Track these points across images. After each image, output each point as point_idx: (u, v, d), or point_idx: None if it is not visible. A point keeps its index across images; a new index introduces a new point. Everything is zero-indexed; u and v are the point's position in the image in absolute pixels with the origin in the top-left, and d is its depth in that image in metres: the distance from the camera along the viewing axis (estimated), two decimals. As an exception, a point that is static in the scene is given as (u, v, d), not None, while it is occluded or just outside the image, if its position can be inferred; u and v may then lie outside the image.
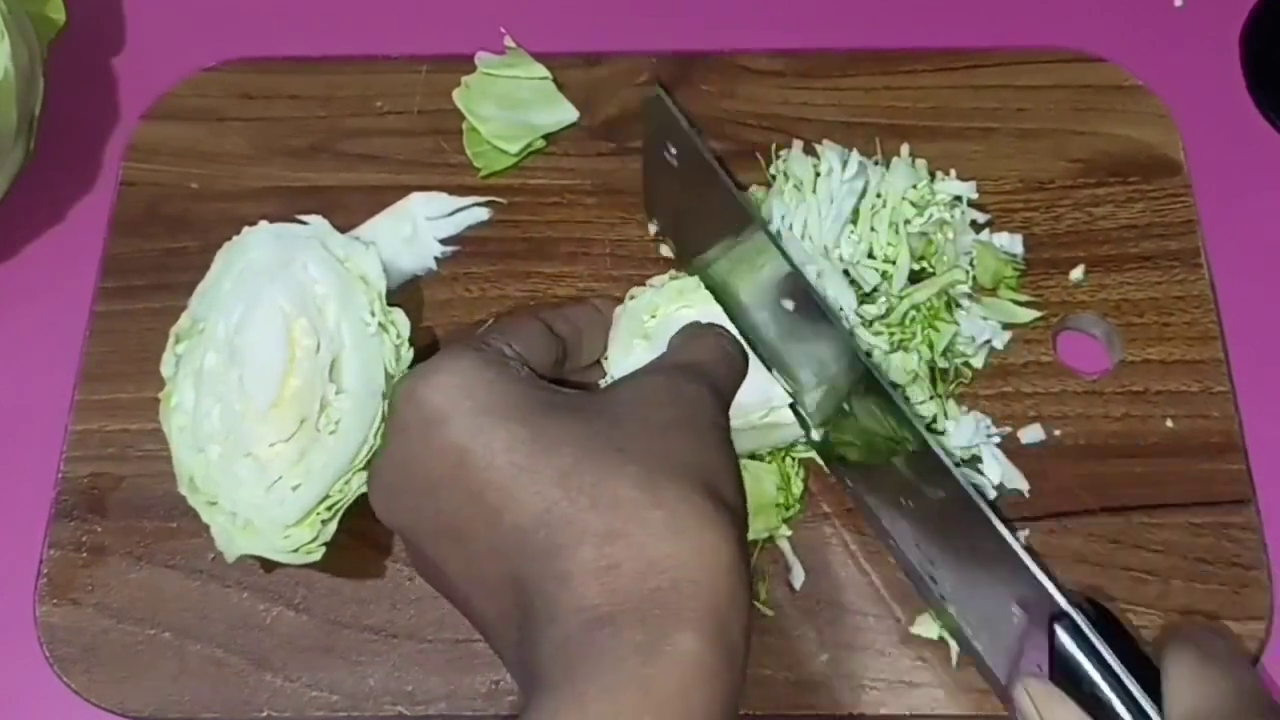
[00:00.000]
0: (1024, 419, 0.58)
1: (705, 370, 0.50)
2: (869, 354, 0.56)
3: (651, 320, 0.56)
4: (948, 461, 0.47)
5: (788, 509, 0.55)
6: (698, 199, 0.56)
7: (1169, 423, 0.58)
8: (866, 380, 0.49)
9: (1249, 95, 0.68)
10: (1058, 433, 0.58)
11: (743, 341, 0.55)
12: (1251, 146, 0.67)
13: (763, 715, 0.53)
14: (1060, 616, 0.44)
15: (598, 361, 0.56)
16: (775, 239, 0.52)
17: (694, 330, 0.53)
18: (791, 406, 0.55)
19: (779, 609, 0.54)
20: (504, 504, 0.43)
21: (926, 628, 0.54)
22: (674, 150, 0.55)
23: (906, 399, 0.57)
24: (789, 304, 0.52)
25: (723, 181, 0.53)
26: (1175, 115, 0.65)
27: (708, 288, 0.57)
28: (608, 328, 0.56)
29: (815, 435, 0.55)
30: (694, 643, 0.40)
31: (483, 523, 0.44)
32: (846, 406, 0.52)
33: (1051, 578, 0.44)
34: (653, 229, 0.62)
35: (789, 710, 0.53)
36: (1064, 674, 0.45)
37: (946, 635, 0.54)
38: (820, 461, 0.57)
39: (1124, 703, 0.44)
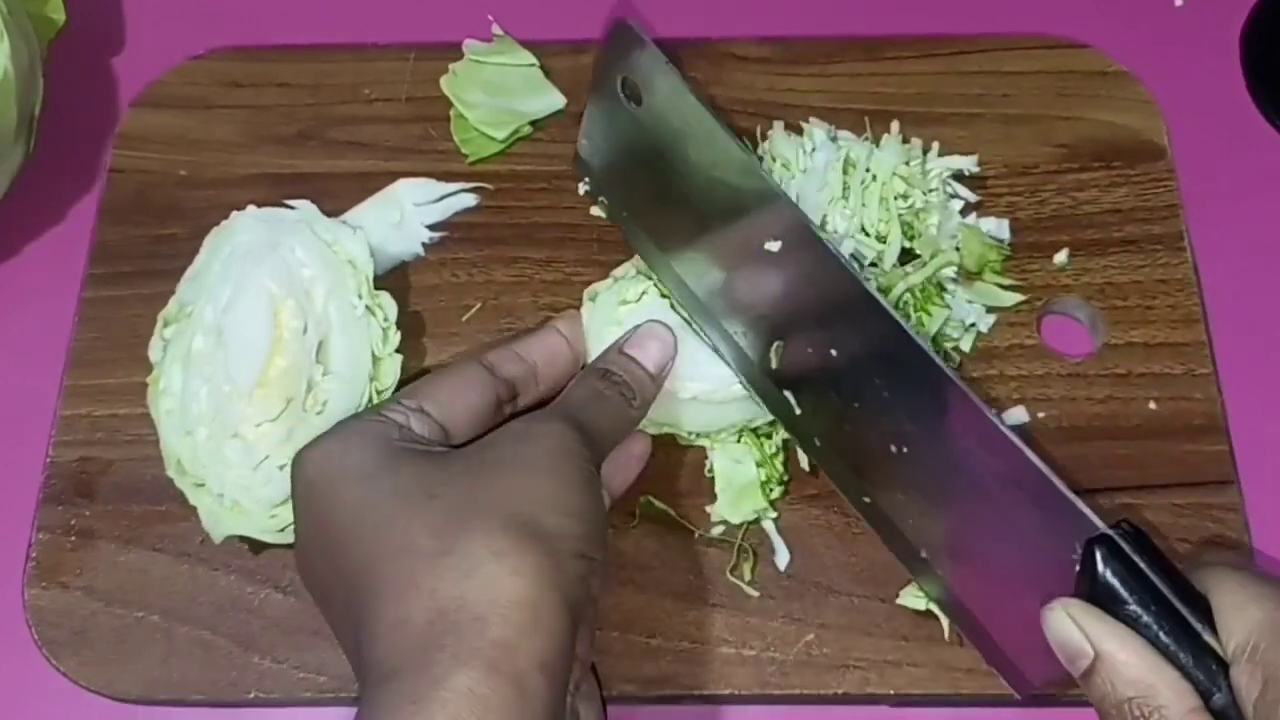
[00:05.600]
0: (1008, 401, 0.58)
1: (571, 409, 0.50)
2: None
3: (624, 307, 0.57)
4: (971, 392, 0.46)
5: (771, 491, 0.56)
6: (659, 146, 0.54)
7: (1152, 405, 0.58)
8: (874, 312, 0.49)
9: (1248, 95, 0.68)
10: (1041, 415, 0.58)
11: (676, 331, 0.55)
12: (1250, 146, 0.67)
13: (748, 695, 0.53)
14: (1097, 541, 0.43)
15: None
16: (769, 175, 0.52)
17: (581, 374, 0.53)
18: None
19: (764, 590, 0.55)
20: (342, 564, 0.44)
21: (913, 599, 0.54)
22: (634, 90, 0.53)
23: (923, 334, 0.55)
24: (775, 246, 0.52)
25: (705, 114, 0.51)
26: (1174, 114, 0.65)
27: (645, 256, 0.57)
28: (576, 346, 0.55)
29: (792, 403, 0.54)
30: (467, 680, 0.39)
31: (336, 586, 0.45)
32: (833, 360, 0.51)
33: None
34: (582, 189, 0.62)
35: (774, 690, 0.53)
36: (1093, 601, 0.44)
37: (935, 607, 0.54)
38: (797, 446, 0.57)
39: (1167, 624, 0.43)
